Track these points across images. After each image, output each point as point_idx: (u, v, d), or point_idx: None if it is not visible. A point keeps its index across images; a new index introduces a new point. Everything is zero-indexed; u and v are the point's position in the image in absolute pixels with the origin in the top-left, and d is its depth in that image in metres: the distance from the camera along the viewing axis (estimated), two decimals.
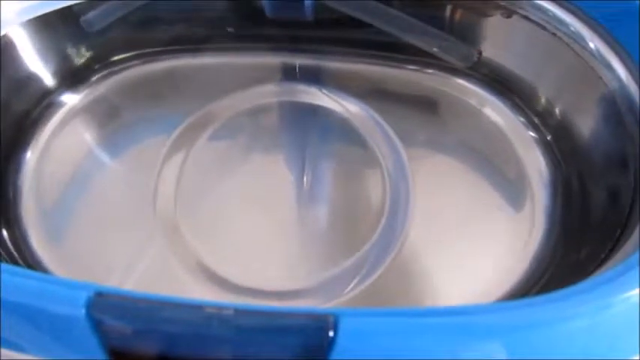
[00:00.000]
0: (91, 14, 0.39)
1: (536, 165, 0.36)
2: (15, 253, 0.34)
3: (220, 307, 0.21)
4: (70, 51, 0.41)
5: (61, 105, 0.40)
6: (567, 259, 0.32)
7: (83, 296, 0.22)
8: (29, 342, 0.23)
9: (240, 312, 0.21)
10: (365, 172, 0.37)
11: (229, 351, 0.21)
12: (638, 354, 0.23)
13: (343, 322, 0.21)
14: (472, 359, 0.21)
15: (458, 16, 0.39)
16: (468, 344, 0.22)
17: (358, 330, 0.21)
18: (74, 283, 0.23)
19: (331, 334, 0.21)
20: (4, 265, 0.23)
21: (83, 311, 0.22)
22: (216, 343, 0.21)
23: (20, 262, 0.33)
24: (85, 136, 0.39)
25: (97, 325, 0.22)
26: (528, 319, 0.22)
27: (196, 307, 0.21)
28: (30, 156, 0.38)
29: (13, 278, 0.23)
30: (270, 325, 0.21)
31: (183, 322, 0.21)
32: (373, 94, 0.40)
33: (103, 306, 0.22)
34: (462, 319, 0.22)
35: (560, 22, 0.35)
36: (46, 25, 0.39)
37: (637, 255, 0.24)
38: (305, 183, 0.37)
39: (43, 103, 0.39)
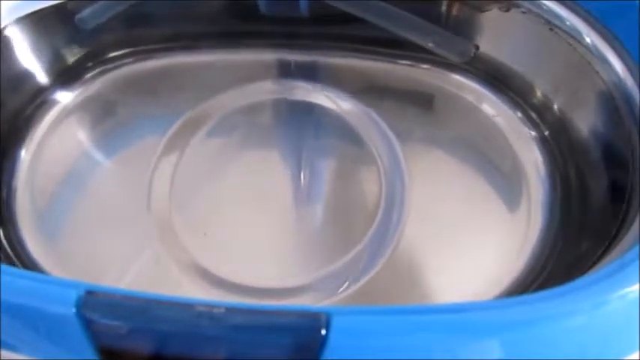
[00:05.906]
0: (85, 12, 0.39)
1: (533, 161, 0.36)
2: (10, 252, 0.34)
3: (211, 306, 0.21)
4: (64, 49, 0.40)
5: (55, 103, 0.40)
6: (565, 256, 0.32)
7: (73, 295, 0.22)
8: (21, 341, 0.23)
9: (231, 310, 0.21)
10: (360, 168, 0.37)
11: (220, 349, 0.21)
12: (635, 352, 0.23)
13: (336, 321, 0.21)
14: (469, 358, 0.21)
15: (454, 10, 0.39)
16: (464, 342, 0.21)
17: (351, 328, 0.21)
18: (65, 282, 0.23)
19: (323, 332, 0.20)
20: None
21: (73, 310, 0.21)
22: (207, 342, 0.21)
23: (15, 261, 0.33)
24: (79, 134, 0.39)
25: (87, 324, 0.21)
26: (525, 316, 0.22)
27: (187, 306, 0.21)
28: (24, 155, 0.38)
29: (3, 277, 0.23)
30: (261, 323, 0.21)
31: (173, 320, 0.21)
32: (369, 90, 0.40)
33: (94, 304, 0.22)
34: (458, 317, 0.22)
35: (557, 16, 0.35)
36: (40, 23, 0.38)
37: (634, 251, 0.24)
38: (300, 180, 0.37)
39: (36, 101, 0.39)
